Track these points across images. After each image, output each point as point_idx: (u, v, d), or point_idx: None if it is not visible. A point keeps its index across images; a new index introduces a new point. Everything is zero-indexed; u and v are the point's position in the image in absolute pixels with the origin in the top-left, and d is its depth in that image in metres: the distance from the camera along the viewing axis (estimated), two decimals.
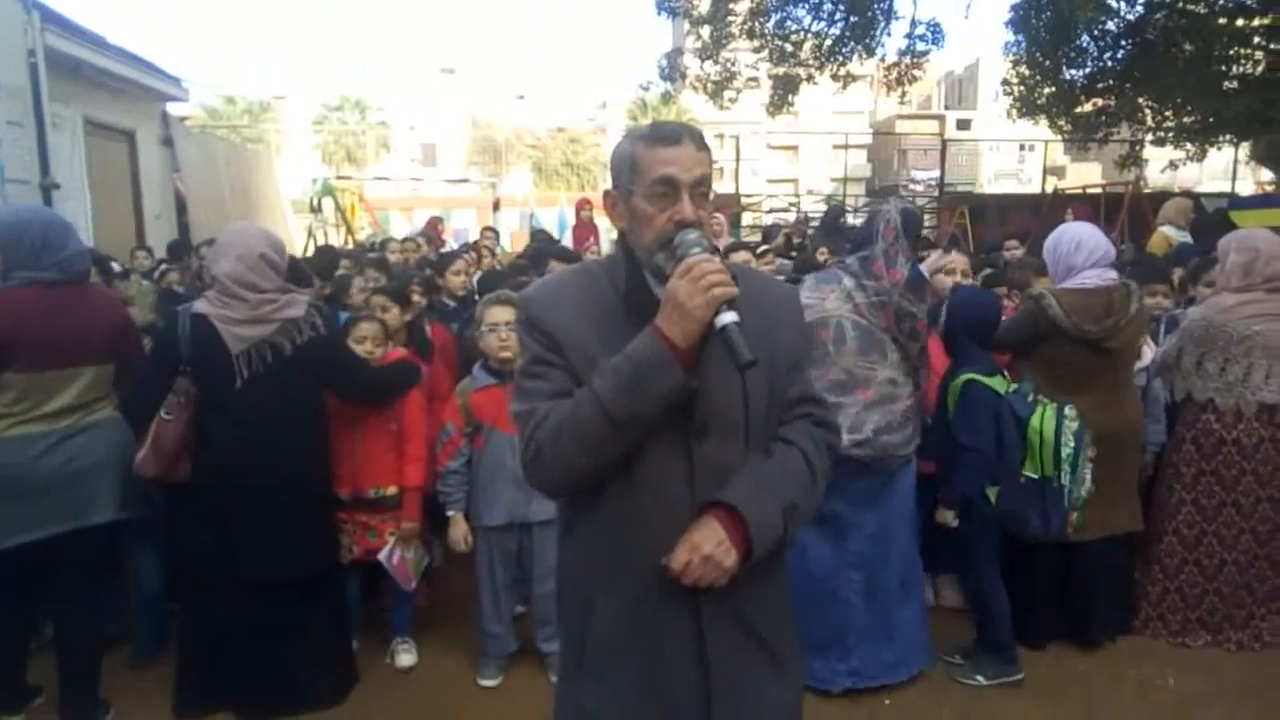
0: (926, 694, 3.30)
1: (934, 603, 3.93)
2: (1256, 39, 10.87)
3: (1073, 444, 3.07)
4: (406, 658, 3.52)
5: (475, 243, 8.37)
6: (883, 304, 3.06)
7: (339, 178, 16.99)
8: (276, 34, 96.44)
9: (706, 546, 1.47)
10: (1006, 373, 3.38)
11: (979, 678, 3.35)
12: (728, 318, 1.38)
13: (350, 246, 11.33)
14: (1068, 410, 3.14)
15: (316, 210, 13.20)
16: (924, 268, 3.81)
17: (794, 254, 7.95)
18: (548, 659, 3.41)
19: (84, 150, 8.32)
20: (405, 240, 8.06)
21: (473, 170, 40.22)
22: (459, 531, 3.35)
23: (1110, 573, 3.60)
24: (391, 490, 3.37)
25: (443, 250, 8.09)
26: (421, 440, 3.39)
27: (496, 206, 15.40)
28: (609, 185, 1.62)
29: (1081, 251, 3.43)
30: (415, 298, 4.06)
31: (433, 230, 10.55)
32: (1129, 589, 3.73)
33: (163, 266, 6.39)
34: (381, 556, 3.34)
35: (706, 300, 1.37)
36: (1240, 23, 10.65)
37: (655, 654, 1.56)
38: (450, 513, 3.36)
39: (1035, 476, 3.14)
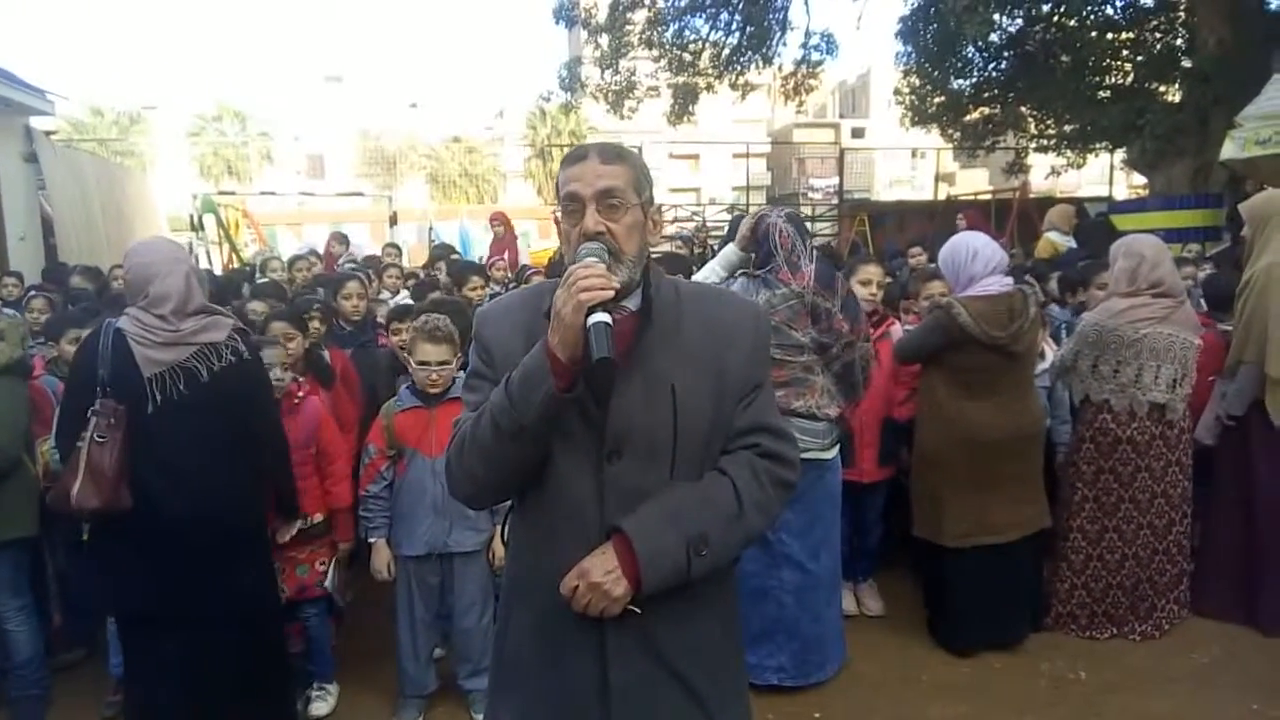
0: (856, 699, 3.33)
1: (857, 611, 3.97)
2: (1125, 52, 11.56)
3: None
4: (322, 705, 3.32)
5: (373, 258, 8.02)
6: (800, 307, 3.12)
7: (221, 193, 16.19)
8: (145, 41, 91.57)
9: (595, 574, 1.45)
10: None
11: None
12: (596, 318, 1.36)
13: (235, 266, 10.77)
14: None
15: (198, 228, 12.52)
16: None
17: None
18: (469, 697, 3.27)
19: None
20: (297, 259, 7.65)
21: (364, 182, 39.01)
22: (382, 559, 3.20)
23: (1023, 573, 3.68)
24: (319, 518, 3.23)
25: (336, 267, 7.69)
26: (342, 458, 3.26)
27: (394, 220, 14.88)
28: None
29: (980, 260, 3.52)
30: (314, 324, 3.84)
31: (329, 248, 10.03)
32: (1039, 587, 3.83)
33: (31, 293, 5.58)
34: (327, 584, 3.22)
35: (574, 305, 1.36)
36: (1110, 36, 11.30)
37: (557, 674, 1.55)
38: (372, 539, 3.21)
39: None
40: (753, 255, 3.32)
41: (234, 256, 12.13)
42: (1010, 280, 3.56)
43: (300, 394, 3.28)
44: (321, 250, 8.83)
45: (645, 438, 1.49)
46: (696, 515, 1.50)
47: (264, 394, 2.94)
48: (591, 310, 1.35)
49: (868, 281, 3.91)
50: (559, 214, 1.55)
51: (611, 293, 1.38)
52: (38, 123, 10.39)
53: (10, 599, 3.11)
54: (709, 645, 1.62)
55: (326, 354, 3.89)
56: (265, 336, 3.39)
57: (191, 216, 12.75)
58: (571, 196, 1.50)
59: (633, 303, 1.54)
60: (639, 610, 1.48)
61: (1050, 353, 4.00)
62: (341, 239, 9.02)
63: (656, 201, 1.64)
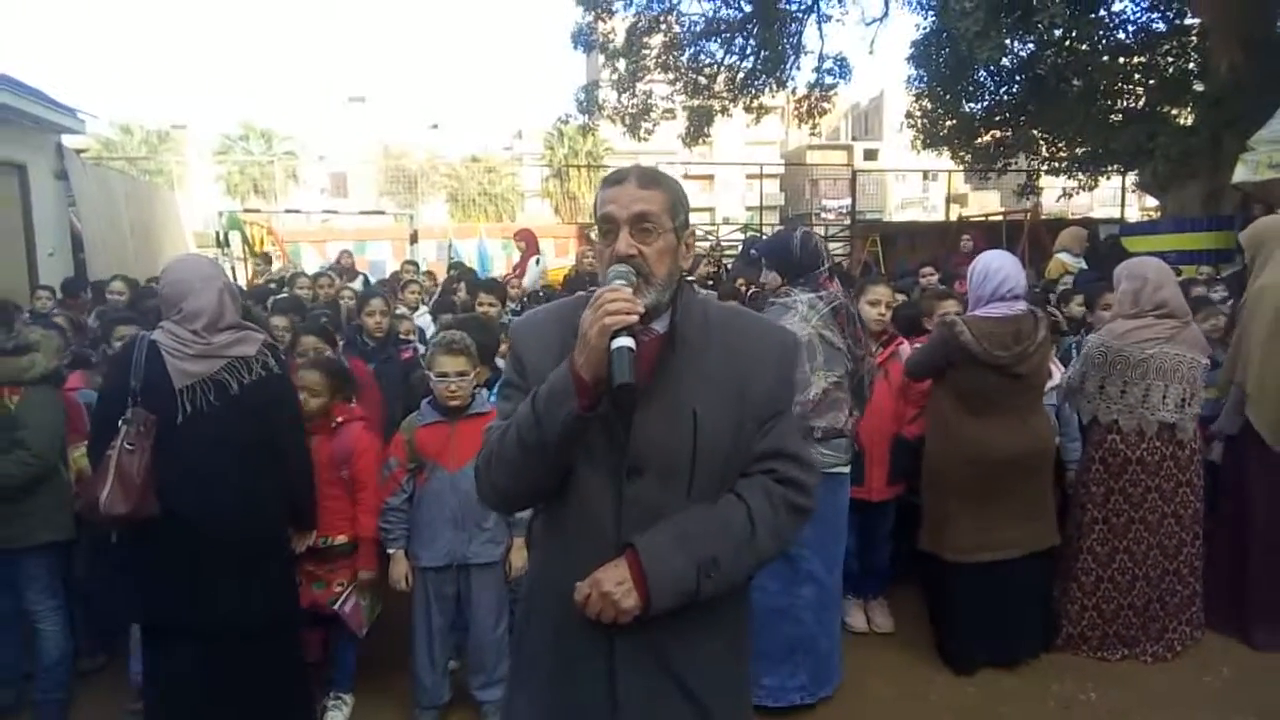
0: (863, 717, 3.35)
1: (867, 629, 3.99)
2: (1137, 76, 11.60)
3: None
4: (338, 715, 3.36)
5: (395, 275, 8.17)
6: (835, 309, 3.20)
7: (247, 210, 16.39)
8: (175, 61, 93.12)
9: (606, 584, 1.50)
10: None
11: None
12: (620, 342, 1.39)
13: (259, 282, 10.94)
14: None
15: (223, 245, 12.72)
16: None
17: (710, 282, 8.06)
18: (483, 708, 3.32)
19: None
20: (319, 275, 7.83)
21: (386, 201, 39.34)
22: (400, 569, 3.26)
23: (1032, 593, 3.70)
24: (341, 539, 3.28)
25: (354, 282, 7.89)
26: (375, 490, 3.30)
27: (414, 238, 15.02)
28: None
29: (989, 283, 3.57)
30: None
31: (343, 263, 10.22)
32: (1049, 608, 3.84)
33: (57, 310, 5.79)
34: (337, 605, 3.24)
35: (599, 328, 1.39)
36: (1121, 60, 11.35)
37: (568, 681, 1.60)
38: (391, 550, 3.28)
39: None
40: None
41: (258, 273, 12.30)
42: (1021, 305, 3.58)
43: (340, 419, 3.35)
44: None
45: (665, 458, 1.53)
46: (708, 538, 1.53)
47: (290, 408, 3.02)
48: (616, 334, 1.39)
49: (876, 302, 3.94)
50: (598, 232, 1.62)
51: (635, 317, 1.41)
52: (69, 141, 10.62)
53: (47, 599, 3.20)
54: (716, 661, 1.64)
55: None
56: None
57: (218, 233, 12.96)
58: (607, 218, 1.55)
59: (661, 325, 1.57)
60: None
61: (1057, 373, 4.03)
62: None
63: (690, 225, 1.67)
